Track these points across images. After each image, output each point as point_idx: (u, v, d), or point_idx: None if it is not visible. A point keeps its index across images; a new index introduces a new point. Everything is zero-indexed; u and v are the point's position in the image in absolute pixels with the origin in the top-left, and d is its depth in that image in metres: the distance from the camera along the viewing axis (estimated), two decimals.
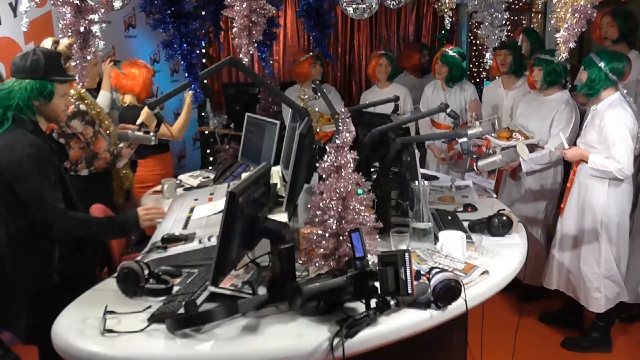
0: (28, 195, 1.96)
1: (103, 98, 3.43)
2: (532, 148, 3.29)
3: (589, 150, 2.87)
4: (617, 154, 2.73)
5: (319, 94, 3.29)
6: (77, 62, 1.99)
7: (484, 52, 2.66)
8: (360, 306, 1.60)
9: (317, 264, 1.78)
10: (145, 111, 2.96)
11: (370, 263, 1.62)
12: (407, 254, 1.53)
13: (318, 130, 3.69)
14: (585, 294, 3.01)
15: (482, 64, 5.92)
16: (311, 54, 4.20)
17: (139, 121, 2.90)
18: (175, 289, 1.80)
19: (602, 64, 2.78)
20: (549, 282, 3.21)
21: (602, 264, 2.94)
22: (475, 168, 2.58)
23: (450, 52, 3.95)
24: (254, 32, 1.79)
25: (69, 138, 2.74)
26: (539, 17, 5.77)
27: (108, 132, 2.87)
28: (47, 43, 2.68)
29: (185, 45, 2.01)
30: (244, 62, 1.90)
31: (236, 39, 1.80)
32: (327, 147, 1.77)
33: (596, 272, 2.95)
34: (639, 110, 2.91)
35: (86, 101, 2.79)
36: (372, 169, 2.86)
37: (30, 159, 1.96)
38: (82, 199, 2.48)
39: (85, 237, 2.10)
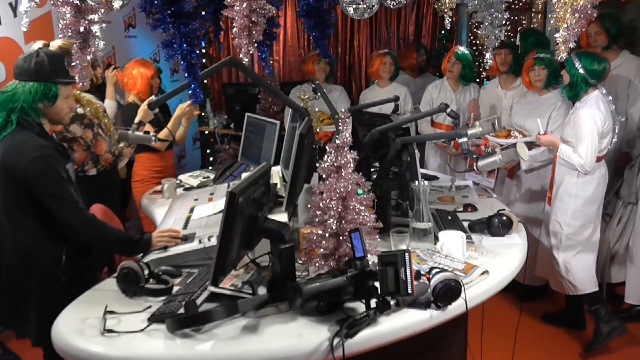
0: (46, 198, 1.96)
1: (109, 107, 3.46)
2: (530, 146, 3.31)
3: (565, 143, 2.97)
4: (582, 150, 2.84)
5: (319, 93, 3.29)
6: (77, 62, 1.99)
7: (484, 52, 2.65)
8: (360, 306, 1.60)
9: (317, 264, 1.78)
10: (142, 109, 2.97)
11: (370, 263, 1.62)
12: (407, 254, 1.53)
13: (318, 130, 3.69)
14: (555, 277, 3.12)
15: (482, 64, 5.91)
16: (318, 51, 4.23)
17: (136, 120, 2.91)
18: (175, 289, 1.80)
19: (581, 69, 2.83)
20: (538, 269, 3.32)
21: (565, 252, 3.04)
22: (475, 168, 2.58)
23: (464, 50, 4.00)
24: (254, 32, 1.78)
25: (70, 142, 2.74)
26: (539, 17, 5.77)
27: (108, 133, 2.88)
28: (37, 45, 2.67)
29: (185, 45, 2.01)
30: (244, 62, 1.90)
31: (236, 39, 1.80)
32: (327, 147, 1.77)
33: (558, 259, 3.06)
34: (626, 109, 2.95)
35: (82, 103, 2.79)
36: (372, 169, 2.86)
37: (43, 160, 1.95)
38: (92, 198, 2.55)
39: (96, 240, 2.09)
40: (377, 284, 1.56)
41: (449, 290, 1.64)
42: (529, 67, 3.35)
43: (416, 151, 2.37)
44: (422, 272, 1.73)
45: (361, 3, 2.83)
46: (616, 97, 3.33)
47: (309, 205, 1.82)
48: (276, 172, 2.64)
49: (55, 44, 2.65)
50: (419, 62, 4.74)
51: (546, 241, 3.19)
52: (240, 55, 1.82)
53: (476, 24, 2.59)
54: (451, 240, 2.03)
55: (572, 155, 2.87)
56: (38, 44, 2.68)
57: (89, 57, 2.03)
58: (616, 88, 3.41)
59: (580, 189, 2.98)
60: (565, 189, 3.03)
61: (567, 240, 3.03)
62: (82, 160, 2.78)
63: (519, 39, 3.82)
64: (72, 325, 1.61)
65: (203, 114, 5.66)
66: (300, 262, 1.84)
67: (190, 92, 2.10)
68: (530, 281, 3.45)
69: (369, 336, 1.54)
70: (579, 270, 3.03)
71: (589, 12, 1.80)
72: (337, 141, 1.75)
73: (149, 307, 1.69)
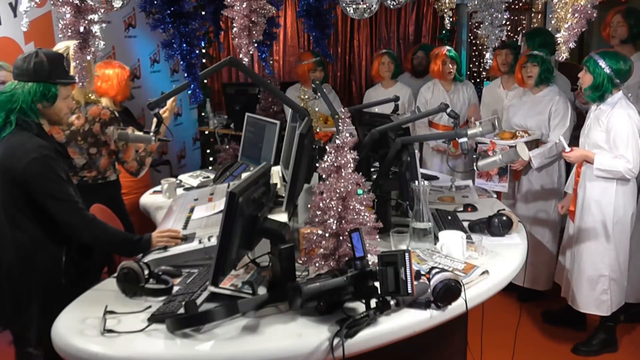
0: (45, 198, 1.95)
1: None
2: (536, 144, 3.31)
3: (594, 151, 2.82)
4: (629, 153, 2.69)
5: (319, 94, 3.29)
6: (77, 62, 1.99)
7: (484, 52, 2.65)
8: (360, 306, 1.60)
9: (317, 264, 1.78)
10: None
11: (370, 263, 1.62)
12: (407, 254, 1.53)
13: (318, 130, 3.69)
14: (590, 297, 2.95)
15: (482, 64, 5.92)
16: (314, 59, 4.15)
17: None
18: (175, 289, 1.80)
19: (607, 68, 2.71)
20: (564, 291, 3.16)
21: (610, 267, 2.89)
22: (475, 168, 2.58)
23: (452, 50, 4.01)
24: (254, 32, 1.78)
25: (101, 146, 2.74)
26: (539, 17, 5.78)
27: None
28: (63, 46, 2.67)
29: (185, 45, 2.01)
30: (244, 62, 1.90)
31: (236, 39, 1.80)
32: (327, 147, 1.77)
33: (604, 274, 2.89)
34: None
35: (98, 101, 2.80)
36: (372, 169, 2.86)
37: (42, 161, 1.94)
38: (112, 203, 2.64)
39: (96, 240, 2.09)
40: (377, 284, 1.56)
41: (449, 290, 1.63)
42: (521, 64, 3.35)
43: (416, 151, 2.37)
44: (422, 272, 1.73)
45: (361, 3, 2.83)
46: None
47: (309, 205, 1.82)
48: (276, 172, 2.64)
49: (60, 46, 2.65)
50: (415, 64, 4.72)
51: (580, 260, 2.99)
52: (240, 55, 1.82)
53: (476, 24, 2.59)
54: (451, 240, 2.03)
55: (615, 162, 2.71)
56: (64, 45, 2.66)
57: (88, 57, 2.03)
58: (626, 89, 3.37)
59: (619, 199, 2.82)
60: (605, 200, 2.83)
61: (614, 252, 2.87)
62: (106, 166, 2.80)
63: (525, 39, 3.80)
64: (72, 325, 1.61)
65: (203, 113, 5.66)
66: (300, 262, 1.83)
67: (190, 92, 2.10)
68: (530, 284, 3.45)
69: (369, 336, 1.54)
70: (619, 282, 2.92)
71: (589, 12, 1.80)
72: (337, 141, 1.75)
73: (149, 307, 1.69)
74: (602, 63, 2.73)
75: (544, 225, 3.45)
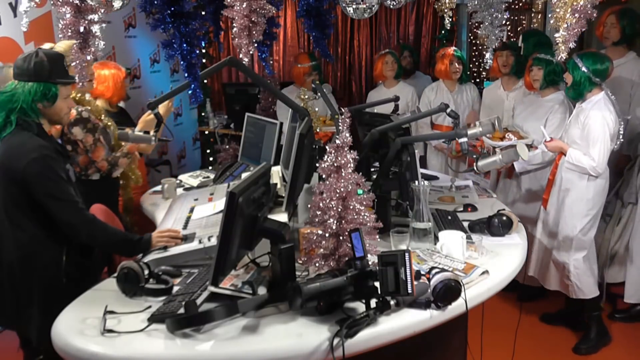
0: (45, 198, 1.96)
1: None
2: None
3: (571, 145, 2.94)
4: (594, 153, 2.83)
5: (319, 94, 3.29)
6: (77, 62, 1.99)
7: (484, 52, 2.65)
8: (360, 306, 1.60)
9: (317, 264, 1.78)
10: (143, 120, 2.95)
11: (370, 263, 1.62)
12: (407, 254, 1.53)
13: (318, 130, 3.69)
14: (557, 279, 3.11)
15: (482, 64, 5.92)
16: (310, 63, 4.16)
17: (137, 129, 2.86)
18: (175, 289, 1.80)
19: (585, 68, 2.83)
20: (532, 270, 3.28)
21: (571, 256, 3.01)
22: (475, 168, 2.58)
23: (458, 51, 4.03)
24: (254, 32, 1.78)
25: (75, 145, 2.74)
26: (539, 17, 5.78)
27: (110, 129, 2.87)
28: (46, 47, 2.66)
29: (185, 45, 2.01)
30: (244, 62, 1.90)
31: (236, 39, 1.80)
32: (327, 147, 1.77)
33: (567, 262, 3.02)
34: (627, 109, 2.98)
35: (85, 106, 2.79)
36: (372, 169, 2.86)
37: (42, 161, 1.94)
38: (95, 201, 2.54)
39: (96, 240, 2.09)
40: (377, 284, 1.56)
41: (449, 290, 1.64)
42: (528, 68, 3.36)
43: (417, 151, 2.37)
44: (422, 272, 1.73)
45: (361, 3, 2.83)
46: (617, 96, 3.31)
47: (309, 205, 1.82)
48: (276, 172, 2.64)
49: (60, 46, 2.65)
50: (403, 65, 4.71)
51: (547, 243, 3.16)
52: (240, 55, 1.82)
53: (476, 24, 2.59)
54: (451, 240, 2.03)
55: (583, 159, 2.86)
56: (46, 47, 2.66)
57: (88, 57, 2.03)
58: (618, 88, 3.39)
59: (589, 192, 2.94)
60: (575, 192, 2.96)
61: (577, 243, 2.99)
62: (86, 163, 2.78)
63: (521, 40, 3.80)
64: (72, 325, 1.62)
65: (203, 113, 5.66)
66: (300, 262, 1.84)
67: (190, 92, 2.10)
68: (530, 282, 3.45)
69: (369, 336, 1.54)
70: (586, 273, 3.01)
71: (589, 12, 1.80)
72: (337, 141, 1.75)
73: (149, 307, 1.69)
74: (580, 63, 2.85)
75: (532, 224, 3.46)
